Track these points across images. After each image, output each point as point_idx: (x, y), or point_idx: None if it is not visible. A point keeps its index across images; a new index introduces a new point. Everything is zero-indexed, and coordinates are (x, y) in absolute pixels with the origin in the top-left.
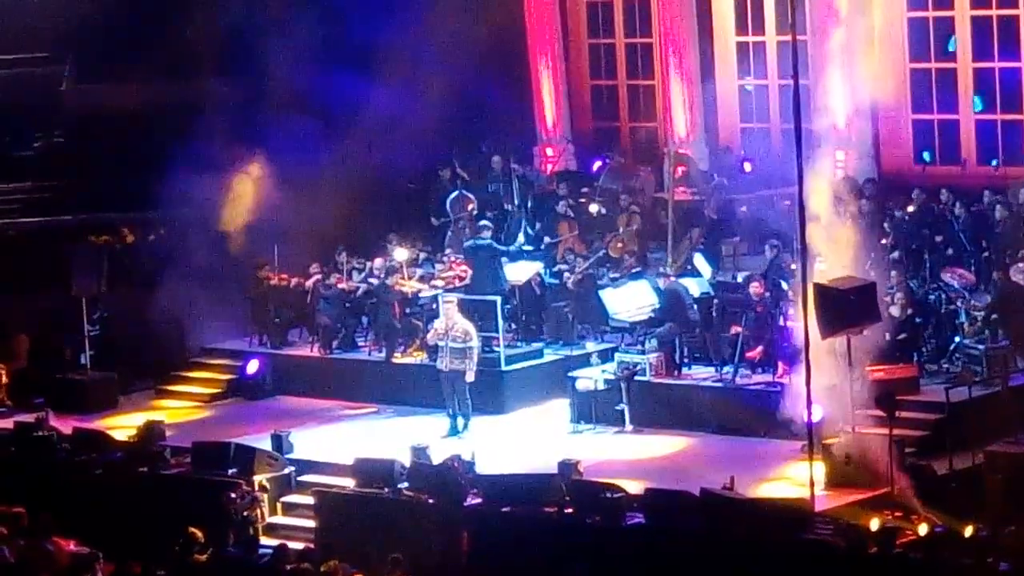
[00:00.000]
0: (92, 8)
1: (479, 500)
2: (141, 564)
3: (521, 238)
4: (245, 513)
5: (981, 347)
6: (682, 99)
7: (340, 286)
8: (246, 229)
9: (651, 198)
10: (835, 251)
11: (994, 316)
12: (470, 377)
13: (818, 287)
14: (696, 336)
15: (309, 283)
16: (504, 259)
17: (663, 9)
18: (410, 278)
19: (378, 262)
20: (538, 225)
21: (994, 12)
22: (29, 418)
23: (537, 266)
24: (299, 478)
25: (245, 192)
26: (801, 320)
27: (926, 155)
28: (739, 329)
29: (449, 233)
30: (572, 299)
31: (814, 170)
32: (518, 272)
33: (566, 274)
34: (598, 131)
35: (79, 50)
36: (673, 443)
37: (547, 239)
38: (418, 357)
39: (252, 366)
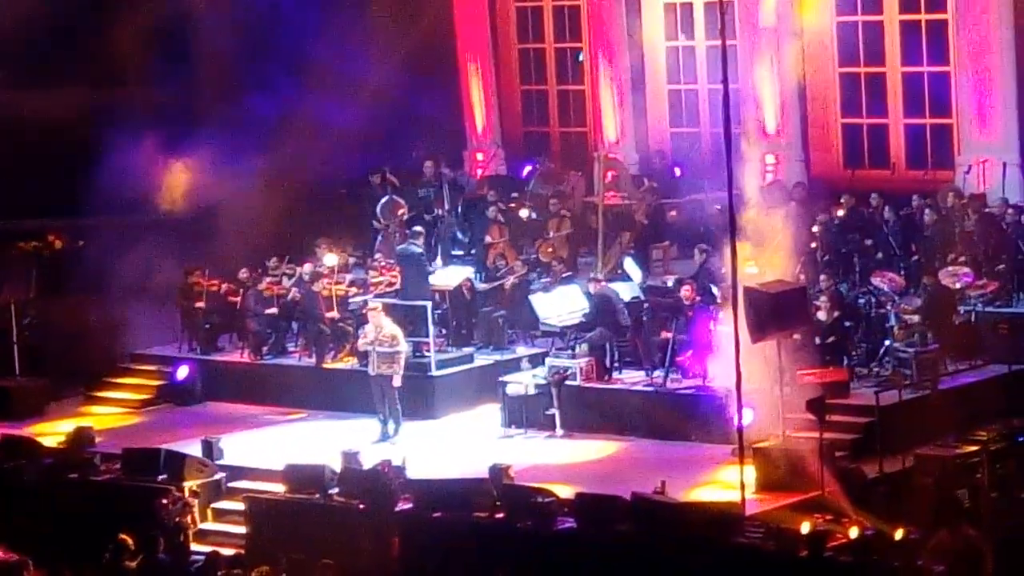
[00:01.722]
0: (18, 15)
1: (410, 505)
2: (71, 571)
3: (439, 262)
4: (176, 519)
5: (911, 351)
6: (612, 104)
7: (269, 292)
8: (177, 231)
9: (581, 203)
10: (764, 255)
11: (924, 320)
12: (397, 382)
13: (748, 291)
14: (626, 340)
15: (237, 299)
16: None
17: (593, 14)
18: (340, 283)
19: (307, 267)
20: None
21: (923, 16)
22: None
23: (467, 271)
24: (229, 484)
25: (177, 183)
26: (731, 324)
27: None
28: (669, 333)
29: (379, 238)
30: (502, 303)
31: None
32: (448, 277)
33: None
34: (528, 136)
35: (6, 57)
36: (604, 447)
37: (488, 238)
38: (348, 362)
39: (182, 372)
